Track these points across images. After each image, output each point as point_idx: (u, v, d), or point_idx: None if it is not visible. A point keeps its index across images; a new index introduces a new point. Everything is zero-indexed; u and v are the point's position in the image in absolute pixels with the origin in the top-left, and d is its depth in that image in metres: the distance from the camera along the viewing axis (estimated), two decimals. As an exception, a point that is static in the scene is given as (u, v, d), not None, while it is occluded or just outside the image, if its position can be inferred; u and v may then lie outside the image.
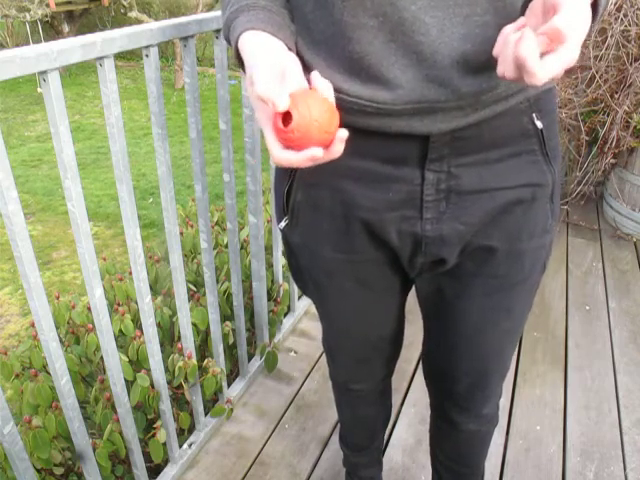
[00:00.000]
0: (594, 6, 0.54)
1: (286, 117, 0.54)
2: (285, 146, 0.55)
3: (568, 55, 0.48)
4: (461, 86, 0.60)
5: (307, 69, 0.65)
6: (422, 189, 0.68)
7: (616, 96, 2.36)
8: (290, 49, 0.62)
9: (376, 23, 0.58)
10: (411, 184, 0.68)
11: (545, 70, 0.48)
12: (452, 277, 0.79)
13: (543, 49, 0.48)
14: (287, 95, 0.53)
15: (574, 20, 0.47)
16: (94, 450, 1.17)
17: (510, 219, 0.72)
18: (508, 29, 0.52)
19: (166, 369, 1.31)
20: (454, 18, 0.58)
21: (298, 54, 0.66)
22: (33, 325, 1.20)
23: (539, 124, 0.68)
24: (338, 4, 0.59)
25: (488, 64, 0.59)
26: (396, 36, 0.58)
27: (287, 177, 0.76)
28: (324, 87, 0.56)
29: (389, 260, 0.79)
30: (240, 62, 0.63)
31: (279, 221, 0.82)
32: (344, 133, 0.55)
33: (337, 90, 0.62)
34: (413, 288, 0.90)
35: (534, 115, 0.68)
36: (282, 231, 0.83)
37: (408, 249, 0.74)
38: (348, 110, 0.63)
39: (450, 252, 0.74)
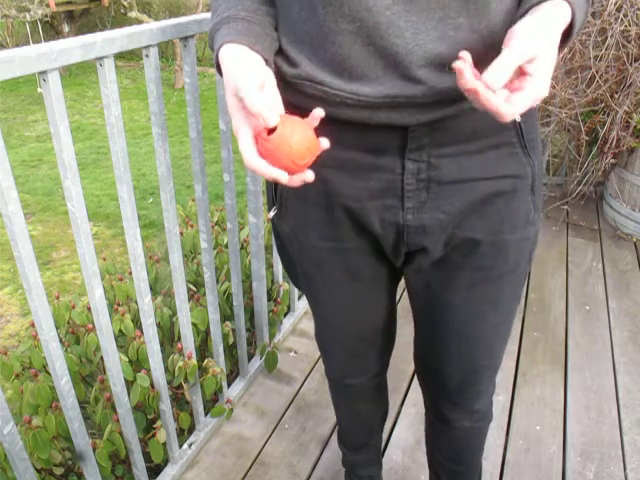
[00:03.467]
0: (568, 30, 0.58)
1: (270, 130, 0.59)
2: (259, 153, 0.60)
3: (536, 91, 0.53)
4: (437, 84, 0.62)
5: (293, 65, 0.68)
6: (403, 178, 0.70)
7: (616, 96, 2.36)
8: (267, 60, 0.65)
9: (354, 28, 0.61)
10: (392, 173, 0.70)
11: (515, 108, 0.52)
12: (438, 270, 0.80)
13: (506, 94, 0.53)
14: (276, 113, 0.57)
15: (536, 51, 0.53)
16: (94, 450, 1.17)
17: (492, 210, 0.73)
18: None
19: (166, 369, 1.31)
20: (428, 22, 0.60)
21: (284, 51, 0.69)
22: (33, 325, 1.20)
23: (517, 117, 0.69)
24: (320, 10, 0.62)
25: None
26: (373, 40, 0.61)
27: None
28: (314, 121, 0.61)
29: (374, 249, 0.80)
30: (221, 73, 0.65)
31: (269, 211, 0.84)
32: (310, 176, 0.61)
33: (320, 83, 0.65)
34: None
35: None
36: (272, 221, 0.85)
37: (391, 238, 0.76)
38: (331, 102, 0.66)
39: (432, 242, 0.75)
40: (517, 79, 0.55)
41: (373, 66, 0.62)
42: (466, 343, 0.86)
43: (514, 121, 0.69)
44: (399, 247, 0.77)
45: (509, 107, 0.52)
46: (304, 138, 0.58)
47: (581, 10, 0.58)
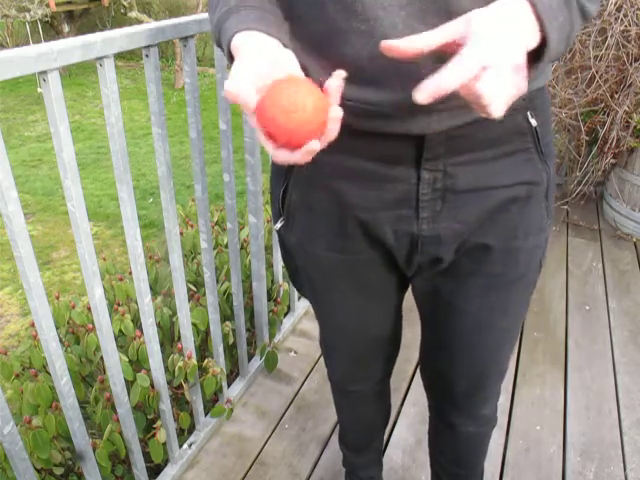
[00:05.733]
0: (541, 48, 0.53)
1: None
2: (277, 143, 0.52)
3: (476, 52, 0.48)
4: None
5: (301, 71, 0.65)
6: (418, 188, 0.68)
7: (616, 96, 2.36)
8: (286, 46, 0.60)
9: (367, 27, 0.58)
10: (407, 183, 0.69)
11: (447, 72, 0.48)
12: (448, 276, 0.78)
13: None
14: (253, 95, 0.51)
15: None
16: (94, 450, 1.17)
17: (506, 217, 0.72)
18: None
19: (166, 369, 1.31)
20: (445, 22, 0.56)
21: None
22: (33, 325, 1.20)
23: (533, 122, 0.68)
24: (330, 7, 0.59)
25: None
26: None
27: (282, 178, 0.77)
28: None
29: (385, 260, 0.79)
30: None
31: (275, 222, 0.82)
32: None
33: None
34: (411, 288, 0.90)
35: (528, 113, 0.68)
36: (278, 232, 0.83)
37: (404, 249, 0.74)
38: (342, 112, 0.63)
39: (447, 251, 0.74)
40: None
41: (385, 70, 0.59)
42: (475, 349, 0.85)
43: (530, 126, 0.68)
44: (412, 257, 0.75)
45: (442, 74, 0.48)
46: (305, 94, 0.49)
47: (554, 13, 0.52)
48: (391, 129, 0.64)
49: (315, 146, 0.51)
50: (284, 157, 0.52)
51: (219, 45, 0.64)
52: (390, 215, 0.71)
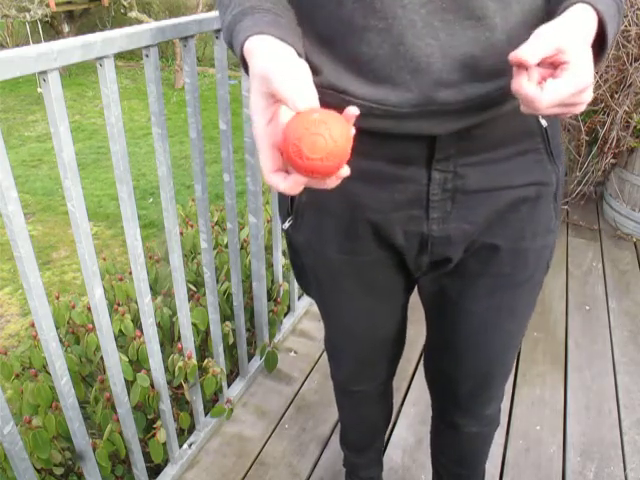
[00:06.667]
0: (601, 42, 0.55)
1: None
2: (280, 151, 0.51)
3: (576, 79, 0.50)
4: (469, 89, 0.60)
5: (314, 71, 0.62)
6: (428, 189, 0.68)
7: (616, 96, 2.36)
8: (300, 55, 0.58)
9: (385, 25, 0.57)
10: (418, 184, 0.68)
11: (551, 94, 0.49)
12: (456, 277, 0.78)
13: (539, 78, 0.51)
14: (309, 99, 0.48)
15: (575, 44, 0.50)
16: (94, 450, 1.17)
17: (515, 217, 0.72)
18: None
19: (166, 369, 1.31)
20: (465, 21, 0.57)
21: (304, 55, 0.64)
22: (33, 325, 1.20)
23: (544, 122, 0.68)
24: (348, 4, 0.58)
25: (495, 66, 0.59)
26: (405, 39, 0.57)
27: None
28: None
29: (394, 261, 0.79)
30: (246, 67, 0.58)
31: (283, 221, 0.81)
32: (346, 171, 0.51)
33: (344, 92, 0.62)
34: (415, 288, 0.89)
35: None
36: (286, 231, 0.82)
37: (414, 249, 0.74)
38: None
39: (456, 251, 0.74)
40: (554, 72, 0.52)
41: (401, 68, 0.59)
42: (482, 350, 0.85)
43: (540, 126, 0.68)
44: (422, 258, 0.75)
45: (541, 93, 0.49)
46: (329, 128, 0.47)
47: (612, 21, 0.55)
48: (403, 130, 0.63)
49: (346, 172, 0.51)
50: (276, 185, 0.52)
51: (230, 46, 0.63)
52: (401, 216, 0.71)
